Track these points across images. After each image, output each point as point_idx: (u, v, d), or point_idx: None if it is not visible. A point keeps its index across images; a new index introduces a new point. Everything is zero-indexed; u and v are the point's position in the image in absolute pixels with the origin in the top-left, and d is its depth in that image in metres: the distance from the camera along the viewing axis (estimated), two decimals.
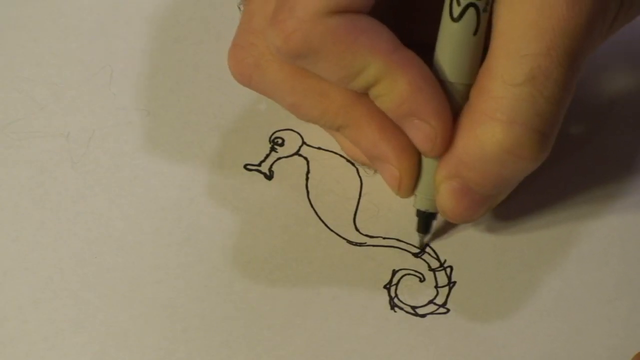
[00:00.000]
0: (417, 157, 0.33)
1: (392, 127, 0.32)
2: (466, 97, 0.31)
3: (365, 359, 0.33)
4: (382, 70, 0.30)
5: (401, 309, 0.34)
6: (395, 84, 0.31)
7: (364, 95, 0.32)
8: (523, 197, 0.37)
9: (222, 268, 0.35)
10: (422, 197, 0.34)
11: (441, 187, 0.32)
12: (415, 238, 0.36)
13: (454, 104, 0.31)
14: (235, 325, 0.34)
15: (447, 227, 0.36)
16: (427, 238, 0.36)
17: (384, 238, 0.36)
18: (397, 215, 0.36)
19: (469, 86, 0.31)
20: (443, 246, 0.36)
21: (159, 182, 0.37)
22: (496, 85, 0.30)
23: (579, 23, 0.29)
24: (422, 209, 0.34)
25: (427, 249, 0.36)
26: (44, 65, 0.40)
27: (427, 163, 0.33)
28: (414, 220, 0.35)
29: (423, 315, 0.34)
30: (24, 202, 0.36)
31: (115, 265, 0.35)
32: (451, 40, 0.31)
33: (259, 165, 0.37)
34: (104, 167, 0.37)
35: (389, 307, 0.34)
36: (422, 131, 0.31)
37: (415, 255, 0.35)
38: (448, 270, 0.35)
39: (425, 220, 0.35)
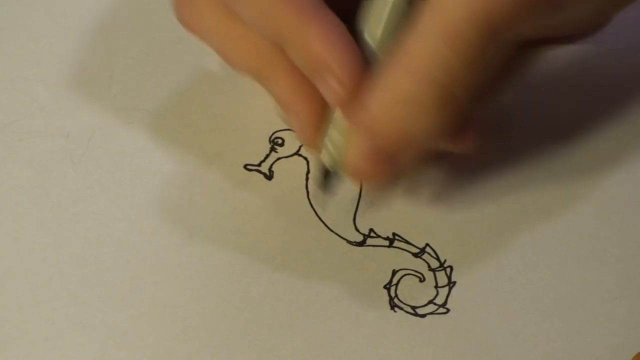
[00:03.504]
0: (324, 110, 0.34)
1: (303, 78, 0.33)
2: (383, 55, 0.31)
3: (365, 359, 0.33)
4: (295, 24, 0.31)
5: (401, 309, 0.34)
6: (308, 38, 0.31)
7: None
8: (523, 197, 0.37)
9: (222, 268, 0.35)
10: (328, 153, 0.34)
11: (349, 140, 0.33)
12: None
13: (369, 61, 0.31)
14: (235, 325, 0.34)
15: (447, 226, 0.36)
16: (327, 194, 0.36)
17: (384, 238, 0.36)
18: (397, 214, 0.36)
19: (388, 45, 0.31)
20: (443, 246, 0.36)
21: (159, 182, 0.37)
22: (412, 40, 0.30)
23: None
24: (327, 164, 0.34)
25: (427, 249, 0.36)
26: (44, 65, 0.40)
27: (334, 118, 0.33)
28: (414, 220, 0.35)
29: (423, 315, 0.34)
30: (24, 202, 0.36)
31: (115, 265, 0.35)
32: None
33: (259, 165, 0.37)
34: (104, 167, 0.37)
35: (389, 307, 0.34)
36: (331, 87, 0.31)
37: (415, 255, 0.35)
38: (448, 270, 0.35)
39: (328, 177, 0.35)
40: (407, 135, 0.32)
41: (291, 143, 0.38)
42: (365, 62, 0.31)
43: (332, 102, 0.32)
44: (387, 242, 0.36)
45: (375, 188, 0.36)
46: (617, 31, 0.34)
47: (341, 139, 0.33)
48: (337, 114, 0.33)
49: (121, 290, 0.34)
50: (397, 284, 0.35)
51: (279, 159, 0.38)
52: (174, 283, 0.34)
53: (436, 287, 0.35)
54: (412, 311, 0.34)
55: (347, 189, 0.37)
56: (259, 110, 0.39)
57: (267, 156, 0.38)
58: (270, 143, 0.38)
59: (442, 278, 0.35)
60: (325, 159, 0.34)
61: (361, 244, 0.36)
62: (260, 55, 0.34)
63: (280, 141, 0.38)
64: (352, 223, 0.36)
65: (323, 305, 0.34)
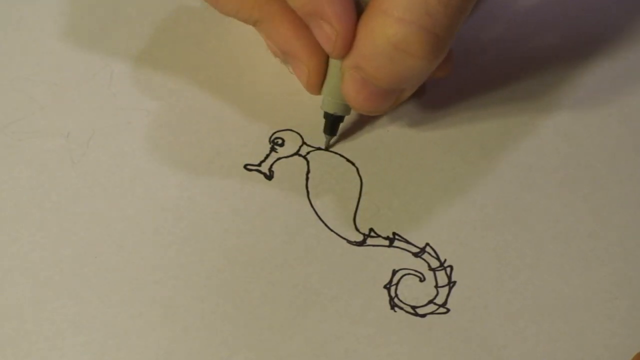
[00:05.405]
0: (326, 56, 0.35)
1: (304, 25, 0.34)
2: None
3: (365, 359, 0.33)
4: None
5: (401, 309, 0.34)
6: None
7: None
8: (524, 196, 0.37)
9: (222, 268, 0.35)
10: (330, 100, 0.36)
11: (345, 75, 0.34)
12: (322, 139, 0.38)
13: (360, 6, 0.32)
14: (235, 325, 0.34)
15: (447, 226, 0.36)
16: (333, 140, 0.38)
17: (384, 238, 0.36)
18: (397, 214, 0.36)
19: None
20: (443, 246, 0.36)
21: (159, 182, 0.37)
22: None
23: None
24: (330, 111, 0.36)
25: (427, 249, 0.36)
26: (44, 65, 0.40)
27: (334, 65, 0.34)
28: (414, 220, 0.35)
29: (423, 315, 0.34)
30: (24, 202, 0.36)
31: (115, 265, 0.35)
32: None
33: (259, 165, 0.37)
34: (104, 167, 0.37)
35: (389, 307, 0.34)
36: (324, 32, 0.33)
37: (415, 255, 0.35)
38: (448, 270, 0.35)
39: (331, 122, 0.37)
40: (396, 78, 0.33)
41: (291, 143, 0.38)
42: (358, 8, 0.32)
43: (325, 49, 0.33)
44: (387, 242, 0.36)
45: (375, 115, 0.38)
46: None
47: (338, 82, 0.34)
48: (336, 62, 0.34)
49: (121, 290, 0.34)
50: (397, 284, 0.35)
51: (279, 159, 0.38)
52: (174, 283, 0.34)
53: (436, 286, 0.35)
54: (412, 311, 0.34)
55: (347, 189, 0.37)
56: (259, 110, 0.39)
57: (267, 156, 0.38)
58: (270, 143, 0.38)
59: (442, 278, 0.35)
60: (326, 105, 0.36)
61: (361, 244, 0.36)
62: (258, 3, 0.34)
63: (280, 141, 0.38)
64: (352, 223, 0.36)
65: (323, 305, 0.34)
